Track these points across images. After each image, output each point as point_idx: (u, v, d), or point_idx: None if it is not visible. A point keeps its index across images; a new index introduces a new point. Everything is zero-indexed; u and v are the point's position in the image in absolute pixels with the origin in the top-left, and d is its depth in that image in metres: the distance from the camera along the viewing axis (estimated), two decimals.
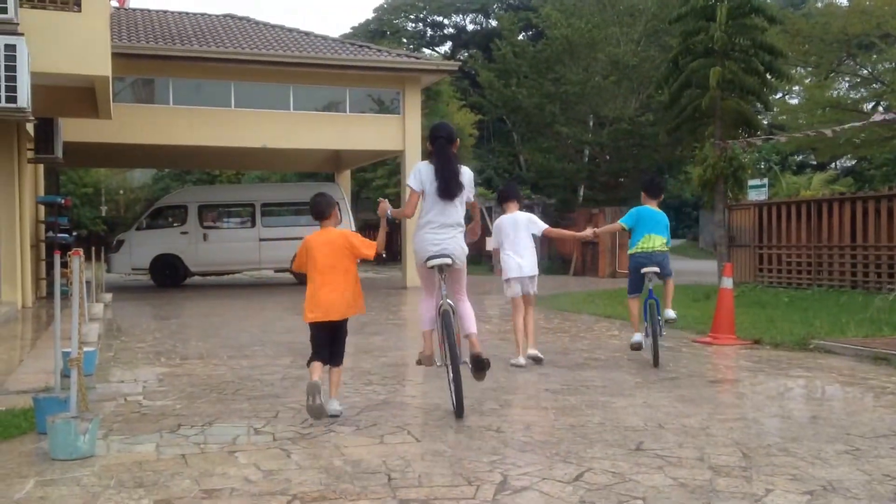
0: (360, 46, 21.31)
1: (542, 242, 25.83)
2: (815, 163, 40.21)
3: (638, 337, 7.90)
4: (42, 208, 17.58)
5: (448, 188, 5.49)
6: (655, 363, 7.52)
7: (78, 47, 11.11)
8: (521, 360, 7.62)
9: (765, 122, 22.04)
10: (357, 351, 8.78)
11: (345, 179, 24.79)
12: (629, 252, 7.94)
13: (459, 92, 39.31)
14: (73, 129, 16.15)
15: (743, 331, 9.53)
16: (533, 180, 33.85)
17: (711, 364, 7.91)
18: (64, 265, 5.16)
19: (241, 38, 19.79)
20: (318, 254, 5.43)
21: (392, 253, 31.36)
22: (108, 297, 15.02)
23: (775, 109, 25.45)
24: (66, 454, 4.48)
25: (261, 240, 20.59)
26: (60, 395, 5.05)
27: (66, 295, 6.32)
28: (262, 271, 23.25)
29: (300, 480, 4.07)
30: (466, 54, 46.58)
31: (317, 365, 5.35)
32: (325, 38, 21.29)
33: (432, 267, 5.52)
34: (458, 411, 5.40)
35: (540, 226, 7.77)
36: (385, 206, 5.63)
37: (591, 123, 29.34)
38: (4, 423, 5.20)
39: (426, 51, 51.42)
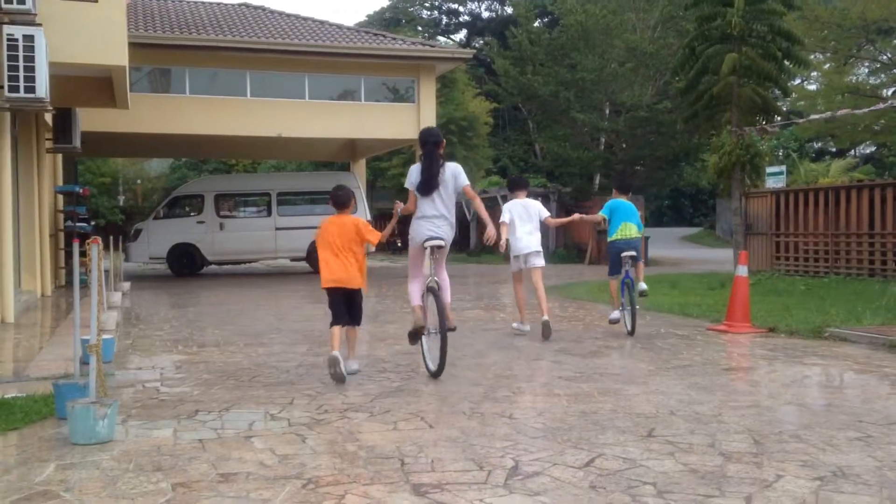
0: (375, 35, 21.32)
1: (559, 231, 25.94)
2: (834, 150, 39.87)
3: (616, 314, 9.11)
4: (61, 198, 17.75)
5: (427, 186, 6.58)
6: (632, 332, 8.72)
7: (95, 37, 11.20)
8: (525, 327, 9.02)
9: (783, 109, 21.86)
10: (372, 339, 8.85)
11: (360, 168, 24.86)
12: (609, 239, 9.08)
13: (475, 80, 39.25)
14: (90, 119, 16.30)
15: (758, 319, 9.51)
16: (548, 168, 33.78)
17: (725, 352, 7.92)
18: (82, 254, 5.25)
19: (256, 27, 19.84)
20: (331, 235, 6.46)
21: (406, 242, 31.36)
22: (127, 285, 15.18)
23: (793, 95, 25.23)
24: (86, 439, 4.57)
25: (277, 229, 20.70)
26: (80, 381, 5.14)
27: (84, 283, 6.42)
28: (279, 260, 23.37)
29: (315, 465, 4.13)
30: (482, 42, 46.43)
31: (336, 331, 6.33)
32: (339, 26, 21.31)
33: (426, 248, 6.53)
34: (438, 372, 6.37)
35: (544, 213, 8.97)
36: (399, 206, 6.80)
37: (607, 111, 29.21)
38: (25, 408, 5.30)
39: (441, 39, 51.36)
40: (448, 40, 52.50)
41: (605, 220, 9.12)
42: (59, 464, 4.22)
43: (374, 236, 6.50)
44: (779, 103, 19.06)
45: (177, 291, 16.08)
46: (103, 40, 11.29)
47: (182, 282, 18.83)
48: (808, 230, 16.23)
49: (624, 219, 8.96)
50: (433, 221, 6.59)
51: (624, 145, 28.55)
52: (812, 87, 30.58)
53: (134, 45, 13.65)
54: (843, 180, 20.89)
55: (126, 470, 4.08)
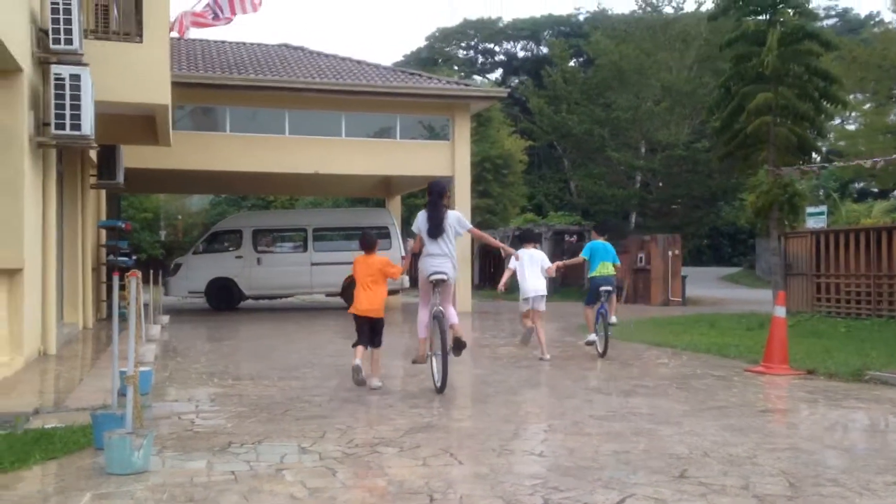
0: (411, 74, 21.64)
1: (586, 268, 25.90)
2: (876, 190, 39.30)
3: (593, 336, 10.60)
4: (104, 232, 18.14)
5: (434, 230, 7.98)
6: (603, 354, 10.36)
7: (140, 77, 11.55)
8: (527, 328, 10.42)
9: (823, 149, 21.69)
10: (405, 374, 8.89)
11: (395, 205, 25.09)
12: (590, 275, 10.79)
13: (510, 118, 39.56)
14: (134, 156, 16.69)
15: (797, 361, 9.37)
16: (584, 206, 33.74)
17: (762, 394, 7.81)
18: (122, 287, 5.39)
19: (295, 67, 20.27)
20: (360, 271, 7.99)
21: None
22: (166, 319, 15.41)
23: (832, 135, 25.01)
24: (122, 469, 4.65)
25: (312, 264, 20.89)
26: (117, 412, 5.24)
27: (124, 316, 6.56)
28: (314, 295, 23.55)
29: (345, 499, 4.16)
30: (517, 81, 46.82)
31: (360, 349, 7.78)
32: (376, 66, 21.68)
33: (432, 281, 7.87)
34: (441, 388, 7.56)
35: (546, 263, 10.42)
36: (409, 244, 8.30)
37: (642, 149, 29.20)
38: (64, 438, 5.41)
39: (477, 77, 51.92)
40: (484, 79, 53.06)
41: (585, 260, 10.80)
42: (95, 493, 4.30)
43: (396, 270, 8.04)
44: (818, 143, 18.89)
45: (214, 325, 16.29)
46: (147, 79, 11.64)
47: (220, 316, 19.07)
48: (849, 271, 15.99)
49: (603, 258, 10.65)
50: (437, 259, 7.96)
51: (660, 184, 28.46)
52: (852, 127, 30.30)
53: (177, 85, 14.02)
54: (885, 221, 20.57)
55: (160, 500, 4.15)
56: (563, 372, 9.06)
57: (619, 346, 11.89)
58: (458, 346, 7.79)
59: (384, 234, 20.22)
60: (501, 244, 9.11)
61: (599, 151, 27.93)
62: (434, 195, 8.13)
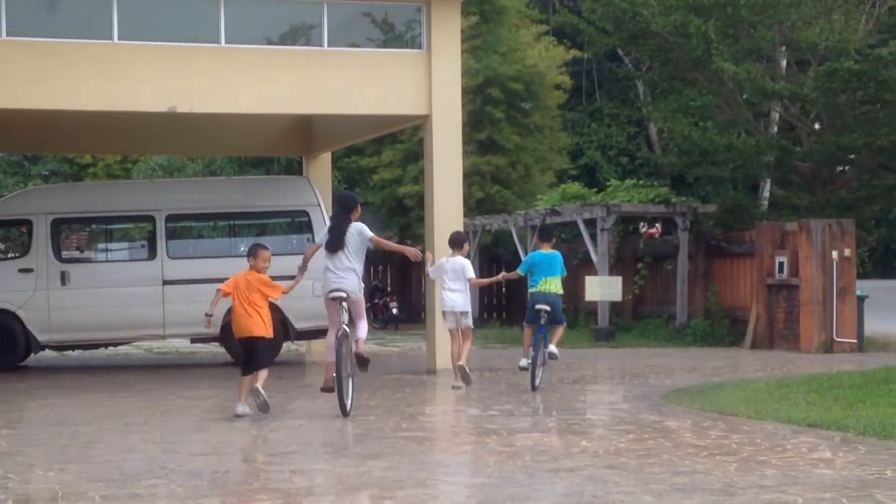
0: None
1: (697, 290, 25.93)
2: None
3: (525, 361, 15.49)
4: None
5: (333, 244, 13.09)
6: (532, 387, 15.29)
7: None
8: (460, 383, 15.93)
9: None
10: (343, 490, 8.98)
11: (321, 168, 25.05)
12: (530, 291, 15.64)
13: (537, 6, 39.65)
14: None
15: None
16: (674, 169, 33.75)
17: None
18: None
19: None
20: (241, 287, 13.07)
21: (403, 309, 31.68)
22: None
23: None
24: None
25: (166, 282, 20.75)
26: None
27: None
28: (169, 341, 23.40)
29: None
30: None
31: (245, 381, 13.08)
32: None
33: (333, 299, 12.99)
34: (343, 412, 12.81)
35: (469, 272, 15.80)
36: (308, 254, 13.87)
37: (782, 61, 29.29)
38: None
39: None
40: None
41: (520, 276, 15.81)
42: None
43: (276, 291, 13.05)
44: None
45: None
46: None
47: None
48: None
49: (546, 273, 15.36)
50: (338, 273, 13.01)
51: (816, 125, 28.54)
52: None
53: None
54: None
55: None
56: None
57: (742, 430, 11.96)
58: (360, 362, 13.09)
59: (300, 223, 20.26)
60: (404, 247, 14.07)
61: (702, 66, 27.94)
62: (340, 207, 13.55)
